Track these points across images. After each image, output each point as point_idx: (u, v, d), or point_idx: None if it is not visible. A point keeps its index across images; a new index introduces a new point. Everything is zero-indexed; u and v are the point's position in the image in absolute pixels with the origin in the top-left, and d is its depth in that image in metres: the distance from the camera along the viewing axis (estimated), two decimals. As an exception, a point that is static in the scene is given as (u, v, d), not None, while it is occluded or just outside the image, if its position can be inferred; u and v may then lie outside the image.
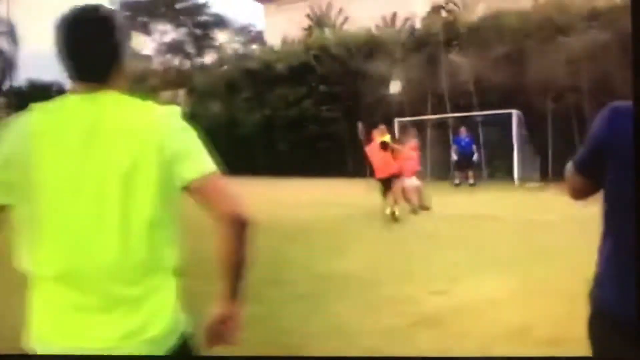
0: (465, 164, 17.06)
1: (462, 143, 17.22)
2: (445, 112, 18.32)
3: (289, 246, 8.05)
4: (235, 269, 1.63)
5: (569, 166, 1.94)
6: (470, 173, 16.92)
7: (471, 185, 16.48)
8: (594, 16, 15.99)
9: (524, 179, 16.40)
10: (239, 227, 1.58)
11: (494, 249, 7.59)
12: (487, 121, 17.64)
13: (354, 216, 10.59)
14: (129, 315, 1.56)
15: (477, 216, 10.54)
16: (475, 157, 17.02)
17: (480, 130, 17.88)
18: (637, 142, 1.68)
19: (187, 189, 1.59)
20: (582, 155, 1.89)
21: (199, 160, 1.60)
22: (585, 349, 1.85)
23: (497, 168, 17.65)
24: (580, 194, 1.96)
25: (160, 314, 1.60)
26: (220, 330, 1.68)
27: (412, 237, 8.85)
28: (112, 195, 1.53)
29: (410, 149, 11.79)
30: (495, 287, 5.66)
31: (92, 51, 1.61)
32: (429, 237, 8.70)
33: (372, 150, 10.68)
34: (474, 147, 17.09)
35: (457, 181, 16.93)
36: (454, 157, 17.28)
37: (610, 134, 1.75)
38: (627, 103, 1.72)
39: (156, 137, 1.57)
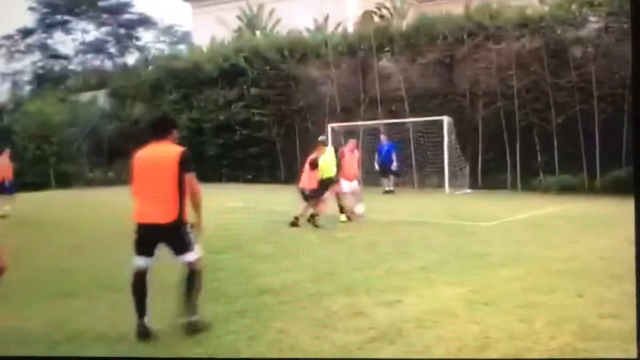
0: (386, 172, 16.87)
1: (382, 151, 17.04)
2: (378, 118, 18.20)
3: (222, 257, 7.49)
4: None
5: None
6: (398, 180, 16.76)
7: (403, 191, 16.35)
8: (524, 24, 16.28)
9: (454, 185, 16.44)
10: None
11: (433, 256, 7.37)
12: (419, 127, 17.64)
13: (288, 224, 10.14)
14: None
15: (410, 223, 10.41)
16: (394, 166, 16.81)
17: (411, 136, 17.85)
18: (637, 141, 2.03)
19: None
20: None
21: None
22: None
23: (427, 175, 17.65)
24: None
25: None
26: None
27: (349, 244, 8.54)
28: None
29: (349, 150, 11.54)
30: (446, 296, 5.43)
31: None
32: (368, 245, 8.40)
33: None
34: (394, 155, 16.89)
35: (386, 188, 16.71)
36: (376, 165, 17.11)
37: None
38: None
39: None
